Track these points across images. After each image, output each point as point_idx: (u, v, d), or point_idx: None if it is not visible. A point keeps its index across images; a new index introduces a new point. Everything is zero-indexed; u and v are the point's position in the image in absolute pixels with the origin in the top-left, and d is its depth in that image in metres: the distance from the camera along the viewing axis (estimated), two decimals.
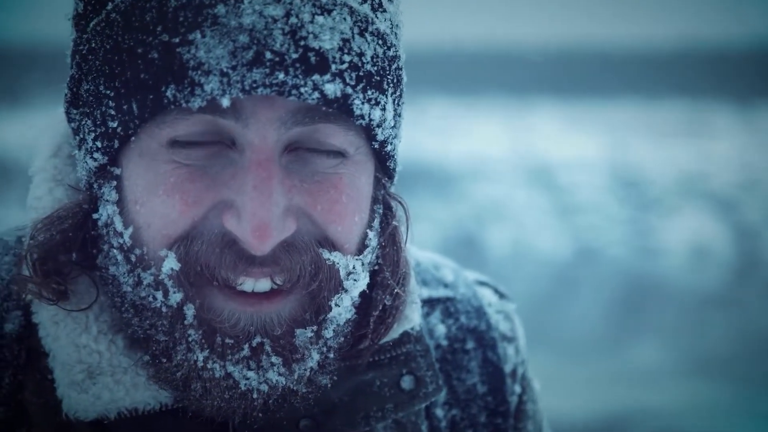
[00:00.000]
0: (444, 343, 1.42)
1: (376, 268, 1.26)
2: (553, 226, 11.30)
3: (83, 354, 1.19)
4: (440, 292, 1.46)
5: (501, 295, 1.51)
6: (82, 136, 1.19)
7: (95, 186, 1.19)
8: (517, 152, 16.08)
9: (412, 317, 1.31)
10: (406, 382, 1.31)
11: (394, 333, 1.30)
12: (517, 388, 1.45)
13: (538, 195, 12.95)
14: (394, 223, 1.27)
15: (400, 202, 1.29)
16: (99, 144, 1.15)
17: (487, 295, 1.49)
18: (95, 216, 1.20)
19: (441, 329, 1.43)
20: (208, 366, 1.14)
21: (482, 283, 1.52)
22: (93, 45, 1.14)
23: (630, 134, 18.09)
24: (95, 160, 1.17)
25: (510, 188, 13.27)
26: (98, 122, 1.15)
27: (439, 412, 1.39)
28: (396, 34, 1.20)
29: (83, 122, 1.18)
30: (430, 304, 1.43)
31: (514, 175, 14.14)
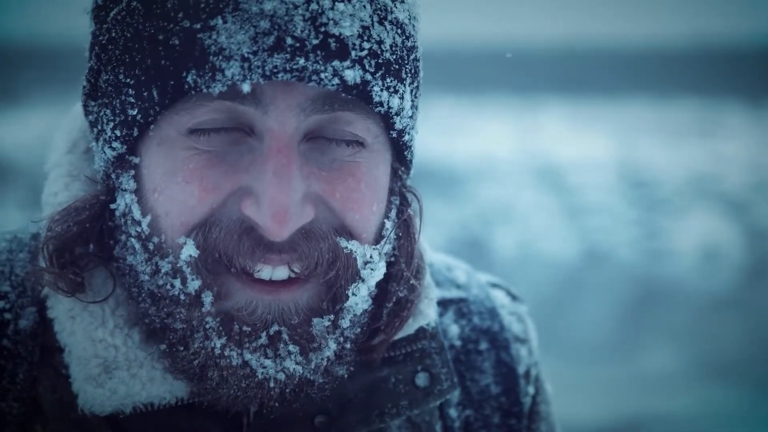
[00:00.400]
0: (457, 343, 1.44)
1: (392, 259, 1.28)
2: (561, 228, 11.29)
3: (99, 348, 1.21)
4: (453, 293, 1.48)
5: (513, 297, 1.54)
6: (100, 127, 1.22)
7: (113, 176, 1.22)
8: (524, 152, 16.07)
9: (428, 312, 1.33)
10: (421, 379, 1.33)
11: (410, 328, 1.32)
12: (531, 389, 1.48)
13: (546, 196, 12.94)
14: (409, 211, 1.30)
15: (415, 195, 1.32)
16: (118, 133, 1.18)
17: (499, 297, 1.52)
18: (113, 206, 1.22)
19: (454, 330, 1.45)
20: (226, 353, 1.16)
21: (495, 285, 1.54)
22: (113, 34, 1.17)
23: (639, 134, 18.06)
24: (114, 149, 1.20)
25: (517, 189, 13.26)
26: (117, 111, 1.17)
27: (453, 412, 1.41)
28: (414, 25, 1.22)
29: (102, 113, 1.21)
30: (443, 304, 1.45)
31: (521, 176, 14.13)
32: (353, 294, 1.20)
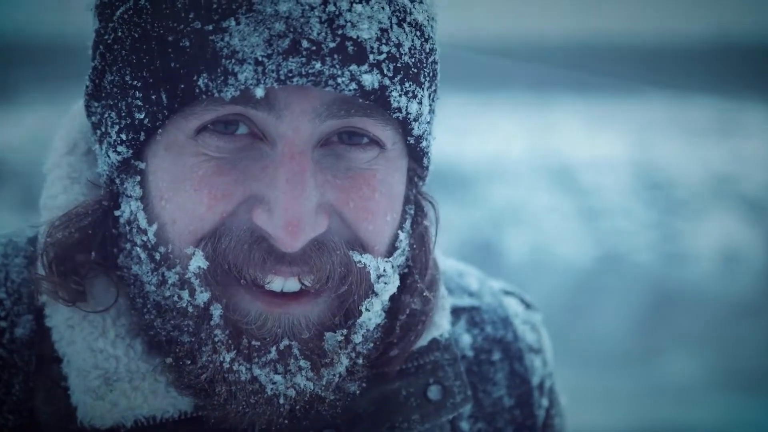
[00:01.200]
0: (469, 353, 1.43)
1: (406, 271, 1.27)
2: (575, 231, 11.29)
3: (100, 359, 1.20)
4: (465, 301, 1.47)
5: (527, 305, 1.53)
6: (104, 129, 1.20)
7: (117, 181, 1.21)
8: (536, 152, 16.05)
9: (441, 323, 1.32)
10: (433, 392, 1.32)
11: (423, 340, 1.31)
12: (545, 402, 1.47)
13: (559, 197, 12.94)
14: (425, 223, 1.29)
15: (431, 203, 1.31)
16: (124, 137, 1.17)
17: (513, 305, 1.51)
18: (117, 213, 1.21)
19: (466, 339, 1.44)
20: (234, 368, 1.16)
21: (508, 293, 1.53)
22: (119, 34, 1.16)
23: (656, 133, 18.03)
24: (119, 153, 1.18)
25: (529, 190, 13.25)
26: (123, 114, 1.16)
27: (465, 425, 1.40)
28: (432, 26, 1.21)
29: (106, 115, 1.19)
30: (455, 313, 1.44)
31: (534, 177, 14.12)
32: (367, 309, 1.20)
